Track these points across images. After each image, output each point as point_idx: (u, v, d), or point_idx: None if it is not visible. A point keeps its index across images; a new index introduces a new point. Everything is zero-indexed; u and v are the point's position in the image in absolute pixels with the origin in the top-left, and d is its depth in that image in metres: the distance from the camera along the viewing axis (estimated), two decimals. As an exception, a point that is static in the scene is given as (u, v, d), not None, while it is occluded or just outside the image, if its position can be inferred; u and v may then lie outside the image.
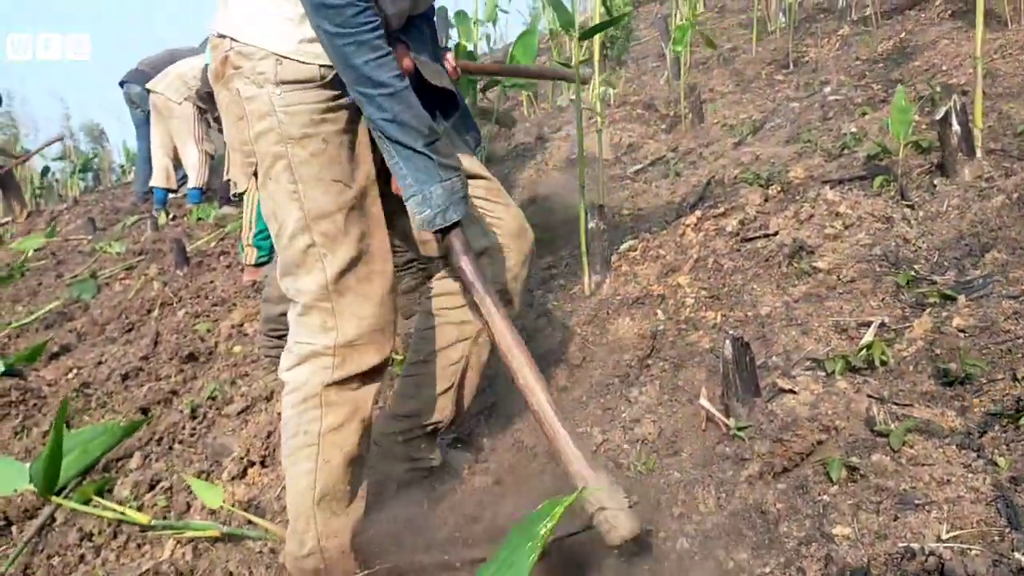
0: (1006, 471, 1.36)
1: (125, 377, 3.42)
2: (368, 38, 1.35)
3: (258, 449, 2.21)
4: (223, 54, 1.45)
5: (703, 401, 1.76)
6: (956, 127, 2.50)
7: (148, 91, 6.81)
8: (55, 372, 3.72)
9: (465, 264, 1.50)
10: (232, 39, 1.43)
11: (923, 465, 1.41)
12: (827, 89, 4.16)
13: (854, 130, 3.46)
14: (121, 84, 7.22)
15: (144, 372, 3.43)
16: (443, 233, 1.49)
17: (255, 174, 1.49)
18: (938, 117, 2.53)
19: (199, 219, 6.35)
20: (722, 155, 3.67)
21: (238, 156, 1.49)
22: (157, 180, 7.07)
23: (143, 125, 7.62)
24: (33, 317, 5.11)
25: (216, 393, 2.76)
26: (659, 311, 2.30)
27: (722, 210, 2.63)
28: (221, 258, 4.95)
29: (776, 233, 2.41)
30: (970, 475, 1.38)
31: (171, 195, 7.33)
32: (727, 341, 1.70)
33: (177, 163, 7.05)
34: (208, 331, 3.61)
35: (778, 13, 5.45)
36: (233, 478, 2.17)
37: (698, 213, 2.67)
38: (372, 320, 1.51)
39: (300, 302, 1.50)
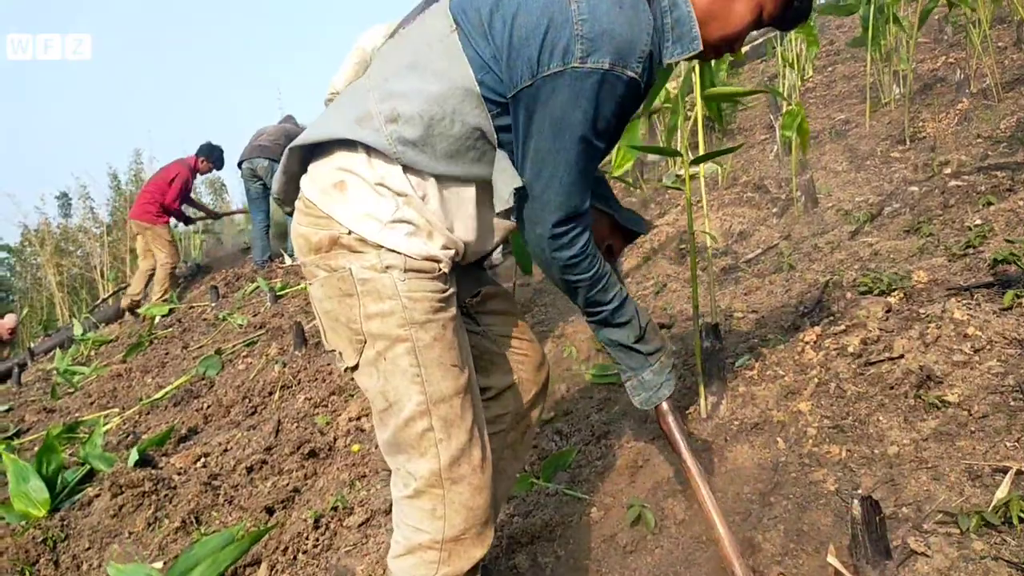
0: None
1: (250, 470, 3.56)
2: (597, 275, 1.56)
3: (380, 575, 2.26)
4: (335, 234, 1.48)
5: (831, 559, 1.72)
6: (1095, 241, 2.40)
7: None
8: (184, 460, 3.90)
9: (672, 425, 1.76)
10: (350, 229, 1.48)
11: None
12: (947, 171, 4.04)
13: (978, 222, 3.35)
14: (240, 163, 7.60)
15: (267, 465, 3.56)
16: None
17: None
18: (1073, 230, 2.43)
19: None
20: (838, 246, 3.60)
21: (345, 331, 1.51)
22: None
23: (260, 198, 8.02)
24: (162, 394, 5.38)
25: (338, 503, 2.83)
26: (780, 439, 2.26)
27: (843, 327, 2.58)
28: (337, 339, 5.11)
29: (901, 356, 2.34)
30: None
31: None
32: (856, 501, 1.66)
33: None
34: (327, 423, 3.73)
35: (892, 84, 5.32)
36: (356, 604, 2.22)
37: (818, 330, 2.61)
38: (481, 512, 1.54)
39: (411, 485, 1.52)
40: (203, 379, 5.42)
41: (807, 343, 2.59)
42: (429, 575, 1.51)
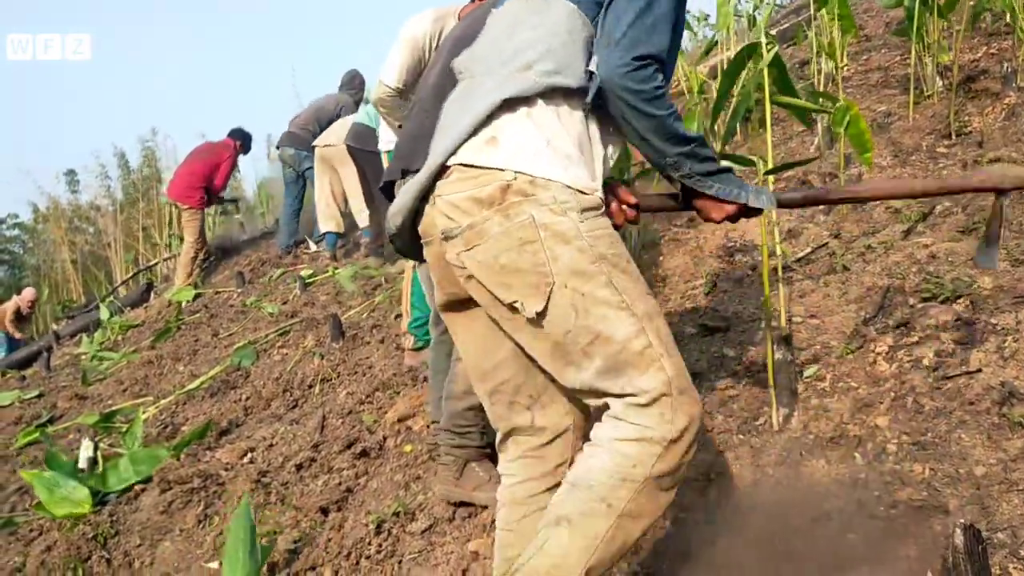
0: None
1: (299, 468, 3.56)
2: (675, 111, 1.61)
3: (455, 587, 2.26)
4: (503, 183, 1.56)
5: (931, 589, 1.71)
6: None
7: (311, 149, 7.18)
8: (230, 455, 3.90)
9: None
10: (517, 171, 1.55)
11: None
12: (994, 167, 3.98)
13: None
14: (277, 148, 7.58)
15: (316, 463, 3.56)
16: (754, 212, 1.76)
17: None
18: None
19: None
20: (892, 246, 3.56)
21: (529, 278, 1.55)
22: (328, 226, 7.39)
23: (293, 183, 8.02)
24: (198, 383, 5.38)
25: (400, 508, 2.83)
26: (857, 454, 2.24)
27: (916, 338, 2.55)
28: (374, 331, 5.10)
29: (979, 370, 2.32)
30: None
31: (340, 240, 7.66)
32: (958, 530, 1.65)
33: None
34: (375, 422, 3.72)
35: (935, 75, 5.25)
36: (432, 617, 2.22)
37: (889, 340, 2.59)
38: (698, 423, 1.59)
39: (639, 400, 1.55)
40: (238, 369, 5.42)
41: (879, 354, 2.57)
42: (647, 464, 1.54)
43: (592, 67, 1.63)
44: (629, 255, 1.64)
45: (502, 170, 1.56)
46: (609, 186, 1.79)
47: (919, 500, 2.02)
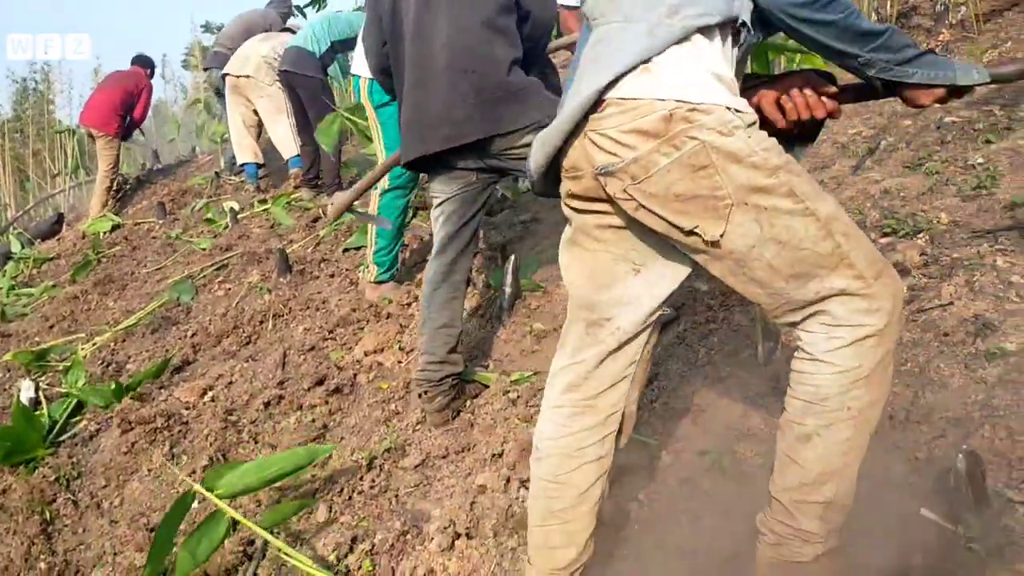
0: None
1: (267, 405, 3.54)
2: (849, 7, 1.59)
3: (464, 521, 2.31)
4: (664, 113, 1.55)
5: (927, 513, 1.85)
6: (1123, 192, 2.54)
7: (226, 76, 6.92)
8: (189, 394, 3.84)
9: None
10: (677, 100, 1.54)
11: None
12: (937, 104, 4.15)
13: (981, 161, 3.49)
14: (205, 70, 7.28)
15: (285, 400, 3.55)
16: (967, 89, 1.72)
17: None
18: (1104, 181, 2.57)
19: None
20: (842, 182, 3.70)
21: (706, 203, 1.57)
22: (246, 157, 7.18)
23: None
24: (136, 319, 5.23)
25: (390, 444, 2.86)
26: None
27: (888, 273, 2.69)
28: (323, 266, 5.03)
29: (951, 303, 2.47)
30: None
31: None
32: (960, 455, 1.79)
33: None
34: (342, 358, 3.71)
35: (871, 12, 5.39)
36: (443, 550, 2.28)
37: (863, 275, 2.72)
38: (901, 297, 1.66)
39: (839, 297, 1.60)
40: (178, 305, 5.28)
41: (854, 288, 2.70)
42: (871, 359, 1.61)
43: (745, 15, 1.62)
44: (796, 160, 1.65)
45: (662, 100, 1.55)
46: (804, 75, 1.78)
47: (906, 422, 2.16)
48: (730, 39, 1.66)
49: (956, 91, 1.71)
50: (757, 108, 1.77)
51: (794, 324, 1.67)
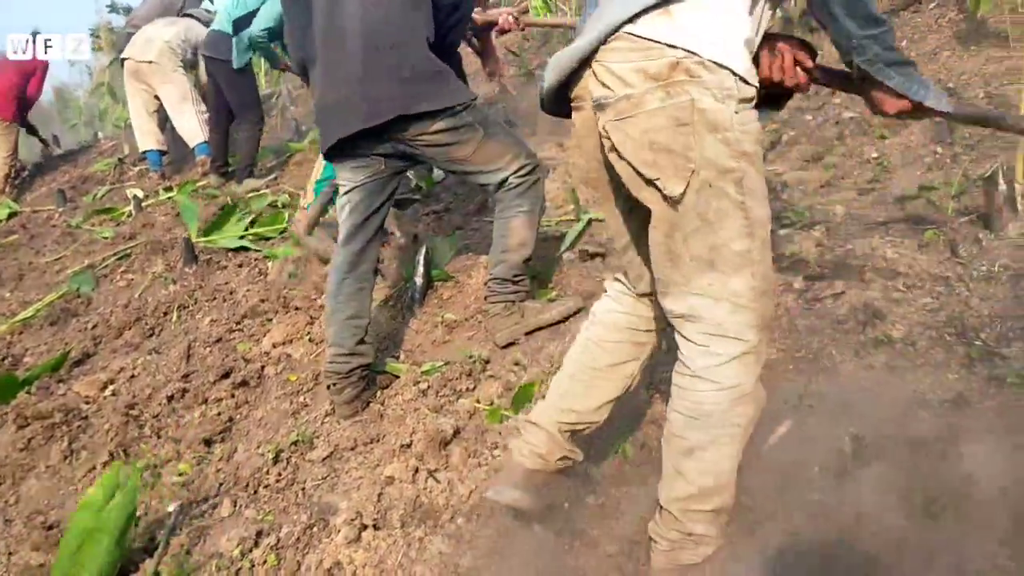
0: None
1: (171, 399, 3.45)
2: None
3: (371, 513, 2.30)
4: (672, 60, 1.56)
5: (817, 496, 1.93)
6: (1003, 186, 2.68)
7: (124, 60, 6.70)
8: (89, 388, 3.72)
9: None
10: (688, 51, 1.55)
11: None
12: (836, 100, 4.31)
13: (875, 155, 3.63)
14: (123, 61, 6.95)
15: (189, 394, 3.46)
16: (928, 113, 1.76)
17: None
18: (986, 176, 2.71)
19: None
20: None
21: (676, 159, 1.58)
22: (148, 143, 6.96)
23: None
24: (33, 311, 5.03)
25: (298, 437, 2.83)
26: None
27: (786, 264, 2.78)
28: (231, 255, 4.93)
29: (844, 293, 2.57)
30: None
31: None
32: (847, 438, 1.88)
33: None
34: (250, 351, 3.65)
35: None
36: (350, 542, 2.26)
37: (762, 265, 2.81)
38: (771, 319, 1.73)
39: (729, 302, 1.64)
40: (78, 296, 5.10)
41: (754, 278, 2.78)
42: (752, 375, 1.68)
43: None
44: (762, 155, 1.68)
45: (674, 47, 1.55)
46: (789, 41, 1.77)
47: (800, 407, 2.24)
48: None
49: (920, 110, 1.74)
50: None
51: (674, 314, 1.71)
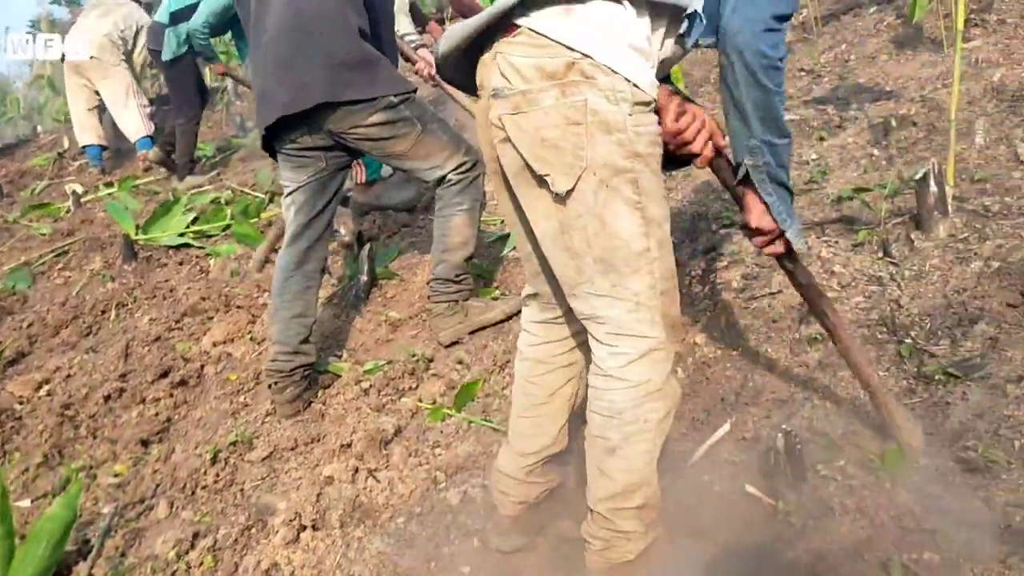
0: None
1: (108, 399, 3.39)
2: (783, 87, 1.61)
3: (310, 513, 2.28)
4: (569, 59, 1.56)
5: (751, 489, 1.96)
6: (934, 188, 2.74)
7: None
8: (24, 388, 3.64)
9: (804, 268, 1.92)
10: (584, 53, 1.55)
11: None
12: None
13: (814, 156, 3.69)
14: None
15: (127, 393, 3.41)
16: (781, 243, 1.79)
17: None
18: (917, 177, 2.77)
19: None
20: (690, 175, 3.85)
21: (566, 158, 1.58)
22: (88, 138, 6.81)
23: None
24: (-34, 309, 4.89)
25: (237, 438, 2.79)
26: (679, 370, 2.48)
27: (724, 263, 2.82)
28: (171, 253, 4.84)
29: (780, 292, 2.61)
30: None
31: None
32: (779, 435, 1.91)
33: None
34: (189, 350, 3.59)
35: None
36: (288, 543, 2.24)
37: (702, 264, 2.84)
38: (676, 317, 1.74)
39: (629, 301, 1.65)
40: (13, 294, 4.97)
41: (693, 277, 2.82)
42: (663, 372, 1.70)
43: (698, 5, 1.58)
44: (661, 157, 1.68)
45: (571, 48, 1.55)
46: (713, 118, 1.76)
47: (736, 404, 2.28)
48: (669, 23, 1.64)
49: (779, 238, 1.77)
50: (661, 105, 1.75)
51: (583, 315, 1.73)
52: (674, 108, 1.74)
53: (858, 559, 1.75)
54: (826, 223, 3.03)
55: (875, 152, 3.52)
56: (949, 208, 2.78)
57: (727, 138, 1.75)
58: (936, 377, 2.17)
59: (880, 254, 2.72)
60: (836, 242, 2.84)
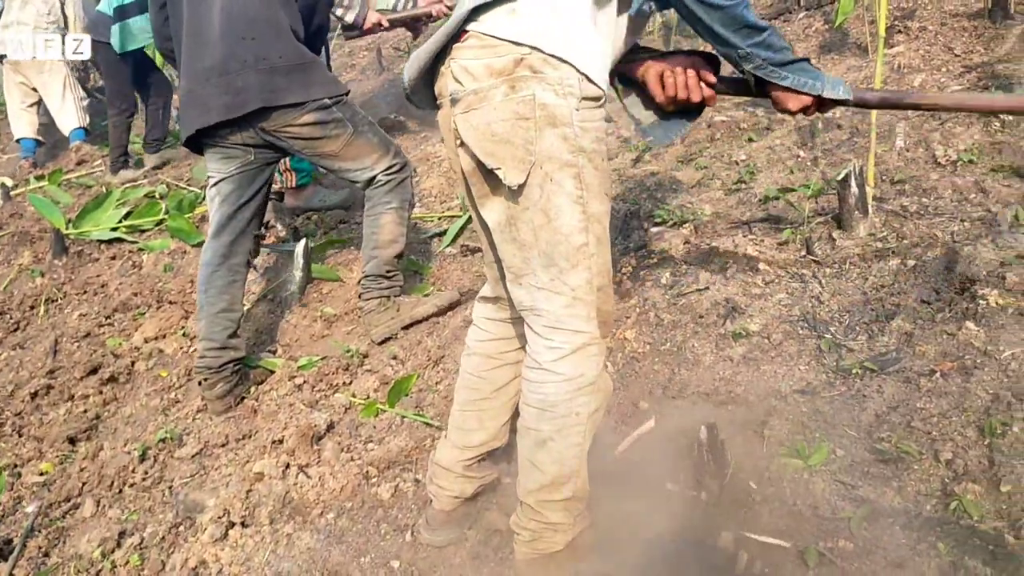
0: (946, 556, 1.68)
1: (34, 396, 3.32)
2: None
3: (239, 510, 2.27)
4: (517, 56, 1.58)
5: (671, 486, 2.02)
6: (855, 188, 2.84)
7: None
8: (-55, 385, 3.53)
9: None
10: (532, 47, 1.58)
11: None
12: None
13: (743, 157, 3.78)
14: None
15: (55, 390, 3.34)
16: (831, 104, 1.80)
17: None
18: (839, 178, 2.86)
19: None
20: (624, 174, 3.91)
21: (516, 152, 1.60)
22: (24, 131, 6.65)
23: None
24: None
25: (166, 435, 2.76)
26: (609, 364, 2.52)
27: (654, 260, 2.88)
28: (103, 247, 4.75)
29: (707, 288, 2.68)
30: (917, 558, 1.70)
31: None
32: (703, 427, 1.96)
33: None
34: (119, 345, 3.53)
35: (657, 15, 5.69)
36: (216, 540, 2.23)
37: (632, 261, 2.89)
38: (610, 313, 1.78)
39: (567, 295, 1.68)
40: (-65, 289, 4.82)
41: (624, 274, 2.87)
42: (596, 366, 1.73)
43: None
44: (606, 153, 1.70)
45: (518, 44, 1.58)
46: (691, 58, 1.80)
47: (664, 398, 2.33)
48: (615, 2, 1.68)
49: (822, 103, 1.79)
50: (642, 79, 1.84)
51: (523, 306, 1.75)
52: (653, 78, 1.81)
53: (776, 547, 1.81)
54: (753, 222, 3.11)
55: (801, 153, 3.62)
56: (869, 208, 2.87)
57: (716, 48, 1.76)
58: (854, 371, 2.25)
59: (803, 252, 2.81)
60: (762, 240, 2.92)
